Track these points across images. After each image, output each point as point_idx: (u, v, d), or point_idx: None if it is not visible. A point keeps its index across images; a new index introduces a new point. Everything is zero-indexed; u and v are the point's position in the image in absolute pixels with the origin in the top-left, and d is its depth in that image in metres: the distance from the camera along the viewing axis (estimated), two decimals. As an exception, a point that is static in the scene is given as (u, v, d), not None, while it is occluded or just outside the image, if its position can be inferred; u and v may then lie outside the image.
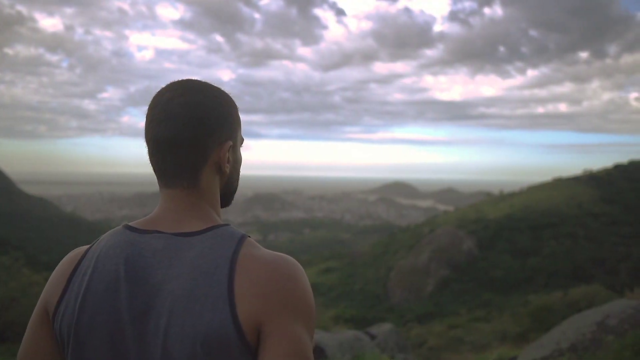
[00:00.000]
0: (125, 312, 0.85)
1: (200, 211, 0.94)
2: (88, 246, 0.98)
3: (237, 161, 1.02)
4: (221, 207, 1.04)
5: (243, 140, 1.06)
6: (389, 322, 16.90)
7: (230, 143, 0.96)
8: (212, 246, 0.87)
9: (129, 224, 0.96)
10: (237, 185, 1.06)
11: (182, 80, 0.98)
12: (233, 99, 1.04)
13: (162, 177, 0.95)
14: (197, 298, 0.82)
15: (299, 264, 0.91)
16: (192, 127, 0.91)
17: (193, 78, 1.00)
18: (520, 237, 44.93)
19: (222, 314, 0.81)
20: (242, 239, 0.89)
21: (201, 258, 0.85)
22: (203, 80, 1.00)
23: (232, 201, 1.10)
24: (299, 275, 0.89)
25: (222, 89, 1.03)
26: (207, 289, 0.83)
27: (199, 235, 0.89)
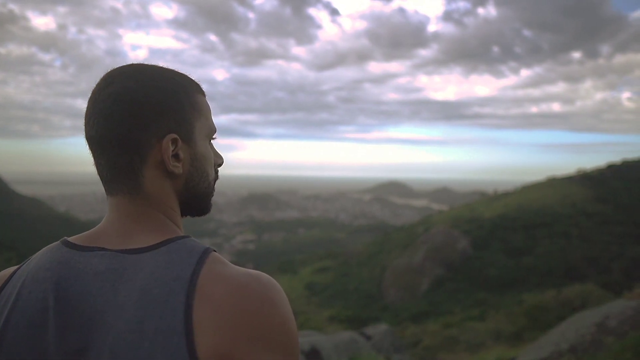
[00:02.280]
0: (53, 353, 0.68)
1: (152, 221, 0.78)
2: (17, 267, 0.81)
3: (199, 158, 0.82)
4: (194, 215, 0.88)
5: (214, 130, 0.87)
6: (384, 322, 16.92)
7: (174, 136, 0.77)
8: (166, 265, 0.70)
9: (68, 238, 0.79)
10: (207, 187, 0.85)
11: (119, 67, 0.81)
12: (198, 83, 0.85)
13: (103, 182, 0.80)
14: (146, 333, 0.66)
15: (276, 284, 0.73)
16: (120, 121, 0.75)
17: (139, 63, 0.82)
18: (514, 237, 45.09)
19: (177, 354, 0.64)
20: (204, 254, 0.72)
21: (152, 281, 0.69)
22: (148, 63, 0.83)
23: (211, 207, 0.89)
24: (276, 297, 0.71)
25: (188, 75, 0.85)
26: (158, 322, 0.66)
27: (150, 252, 0.73)
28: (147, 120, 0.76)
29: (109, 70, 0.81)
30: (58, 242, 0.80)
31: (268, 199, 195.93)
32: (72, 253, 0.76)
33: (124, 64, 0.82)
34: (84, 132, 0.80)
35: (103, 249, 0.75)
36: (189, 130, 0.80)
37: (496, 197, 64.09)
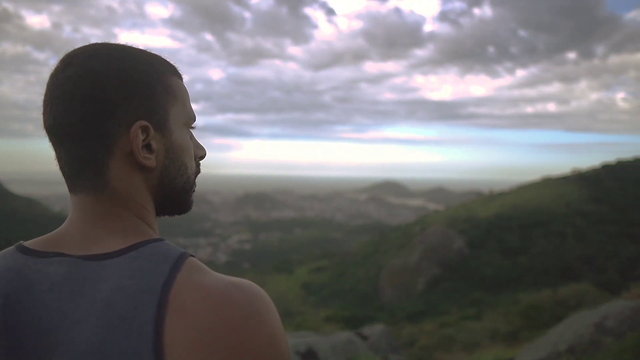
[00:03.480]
0: None
1: (120, 222, 0.67)
2: None
3: (175, 149, 0.71)
4: (172, 214, 0.78)
5: (192, 118, 0.76)
6: (380, 322, 16.90)
7: (144, 124, 0.67)
8: (134, 274, 0.60)
9: (24, 243, 0.69)
10: (185, 182, 0.74)
11: (80, 46, 0.71)
12: (176, 67, 0.75)
13: (65, 178, 0.70)
14: (108, 356, 0.55)
15: (262, 293, 0.62)
16: (81, 107, 0.65)
17: (103, 42, 0.72)
18: (510, 236, 45.23)
19: None
20: (179, 260, 0.62)
21: (117, 293, 0.58)
22: (115, 43, 0.72)
23: (191, 204, 0.79)
24: (263, 310, 0.60)
25: (163, 57, 0.74)
26: (123, 342, 0.56)
27: (117, 258, 0.62)
28: (113, 106, 0.66)
29: (68, 51, 0.70)
30: (12, 247, 0.70)
31: (264, 198, 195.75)
32: (27, 260, 0.65)
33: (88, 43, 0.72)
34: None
35: (62, 254, 0.65)
36: (163, 117, 0.70)
37: (492, 197, 64.28)
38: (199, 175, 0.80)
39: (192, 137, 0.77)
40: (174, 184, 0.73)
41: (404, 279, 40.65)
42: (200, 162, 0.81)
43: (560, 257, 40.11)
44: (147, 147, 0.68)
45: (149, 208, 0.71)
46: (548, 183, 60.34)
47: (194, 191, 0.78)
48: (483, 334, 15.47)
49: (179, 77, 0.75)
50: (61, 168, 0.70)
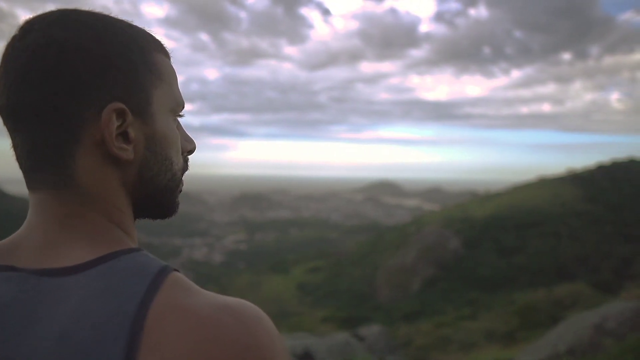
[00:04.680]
0: None
1: (87, 227, 0.55)
2: None
3: (159, 139, 0.59)
4: (154, 217, 0.65)
5: (180, 104, 0.63)
6: (377, 322, 16.89)
7: (119, 107, 0.55)
8: (102, 295, 0.47)
9: None
10: (170, 179, 0.62)
11: (48, 11, 0.58)
12: (159, 45, 0.63)
13: (22, 172, 0.58)
14: None
15: (264, 320, 0.50)
16: (41, 84, 0.53)
17: (72, 8, 0.59)
18: (506, 236, 45.38)
19: None
20: (159, 276, 0.50)
21: (79, 319, 0.46)
22: (85, 9, 0.59)
23: (177, 207, 0.66)
24: (264, 342, 0.47)
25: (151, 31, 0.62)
26: None
27: (81, 274, 0.49)
28: (81, 83, 0.53)
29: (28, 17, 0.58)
30: None
31: (260, 198, 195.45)
32: None
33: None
34: None
35: (13, 268, 0.52)
36: (144, 100, 0.57)
37: (487, 197, 64.46)
38: (188, 173, 0.68)
39: (179, 126, 0.65)
40: (156, 181, 0.60)
41: (400, 279, 40.69)
42: (189, 157, 0.68)
43: (556, 257, 40.27)
44: (123, 135, 0.56)
45: (124, 210, 0.59)
46: (543, 183, 60.57)
47: (180, 191, 0.65)
48: (479, 334, 15.48)
49: (166, 55, 0.63)
50: (18, 159, 0.57)
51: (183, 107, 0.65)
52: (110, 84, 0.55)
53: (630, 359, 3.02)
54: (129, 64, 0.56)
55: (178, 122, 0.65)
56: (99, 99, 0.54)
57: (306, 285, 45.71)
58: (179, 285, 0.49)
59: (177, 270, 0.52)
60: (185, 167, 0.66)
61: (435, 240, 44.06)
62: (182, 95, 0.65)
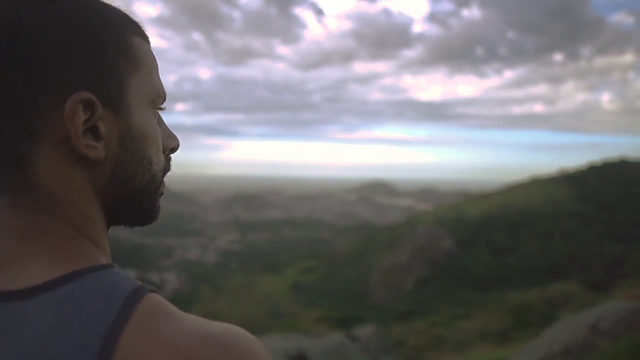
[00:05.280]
0: None
1: (47, 239, 0.46)
2: None
3: (135, 135, 0.51)
4: (131, 224, 0.56)
5: (162, 95, 0.55)
6: (371, 322, 16.88)
7: (87, 97, 0.46)
8: (64, 322, 0.40)
9: None
10: (149, 181, 0.53)
11: None
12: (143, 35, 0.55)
13: None
14: None
15: (252, 347, 0.43)
16: None
17: None
18: (499, 236, 45.59)
19: None
20: (132, 299, 0.42)
21: (37, 353, 0.39)
22: None
23: (158, 212, 0.57)
24: None
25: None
26: None
27: (39, 297, 0.42)
28: (41, 69, 0.45)
29: None
30: None
31: (253, 198, 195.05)
32: None
33: None
34: None
35: None
36: (117, 89, 0.49)
37: (480, 197, 64.74)
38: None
39: (160, 121, 0.57)
40: (132, 183, 0.52)
41: (393, 279, 40.75)
42: (172, 156, 0.60)
43: (548, 257, 40.51)
44: (92, 131, 0.48)
45: (94, 217, 0.50)
46: (536, 183, 60.92)
47: (162, 194, 0.57)
48: (473, 333, 15.51)
49: (145, 39, 0.55)
50: None
51: (164, 99, 0.56)
52: (75, 70, 0.46)
53: (626, 359, 3.03)
54: (99, 47, 0.48)
55: (159, 115, 0.57)
56: (61, 88, 0.46)
57: (300, 285, 45.69)
58: (154, 310, 0.42)
59: (155, 291, 0.45)
60: (167, 167, 0.57)
61: (428, 240, 44.18)
62: (163, 85, 0.56)
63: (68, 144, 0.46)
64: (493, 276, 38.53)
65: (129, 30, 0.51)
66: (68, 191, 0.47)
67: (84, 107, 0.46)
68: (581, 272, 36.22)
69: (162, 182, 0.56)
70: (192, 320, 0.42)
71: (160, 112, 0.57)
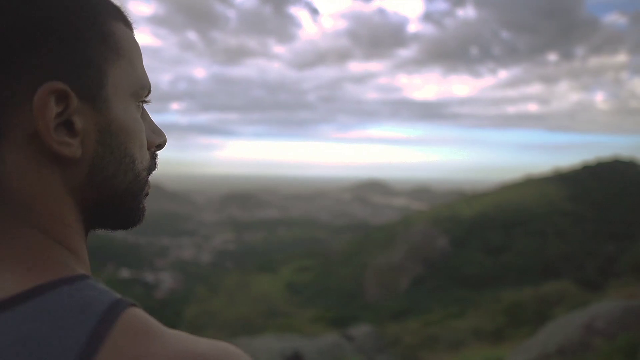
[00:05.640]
0: None
1: (15, 246, 0.42)
2: None
3: (115, 131, 0.46)
4: (112, 228, 0.51)
5: (146, 86, 0.50)
6: (365, 321, 16.91)
7: (59, 87, 0.42)
8: (32, 344, 0.36)
9: None
10: (132, 181, 0.49)
11: None
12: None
13: None
14: None
15: None
16: None
17: None
18: (493, 235, 45.78)
19: None
20: (109, 315, 0.38)
21: None
22: None
23: (143, 214, 0.53)
24: None
25: None
26: None
27: (6, 313, 0.38)
28: (6, 56, 0.41)
29: None
30: None
31: (248, 198, 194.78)
32: None
33: None
34: None
35: None
36: (96, 79, 0.45)
37: (475, 197, 64.95)
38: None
39: (145, 115, 0.52)
40: (113, 183, 0.47)
41: (388, 278, 40.83)
42: (158, 153, 0.55)
43: (542, 255, 40.72)
44: (67, 125, 0.43)
45: (70, 222, 0.45)
46: (530, 182, 61.22)
47: (147, 194, 0.52)
48: (467, 332, 15.55)
49: (128, 25, 0.50)
50: None
51: (149, 91, 0.51)
52: (47, 58, 0.41)
53: (620, 359, 3.04)
54: (75, 32, 0.43)
55: (143, 109, 0.52)
56: (31, 78, 0.41)
57: (295, 284, 45.67)
58: (134, 327, 0.38)
59: (135, 305, 0.40)
60: (152, 166, 0.52)
61: (423, 239, 44.30)
62: (147, 75, 0.51)
63: (39, 140, 0.41)
64: (487, 275, 38.69)
65: (109, 14, 0.47)
66: (39, 194, 0.43)
67: (57, 99, 0.41)
68: (574, 270, 36.44)
69: (146, 181, 0.51)
70: (176, 338, 0.38)
71: (145, 106, 0.52)
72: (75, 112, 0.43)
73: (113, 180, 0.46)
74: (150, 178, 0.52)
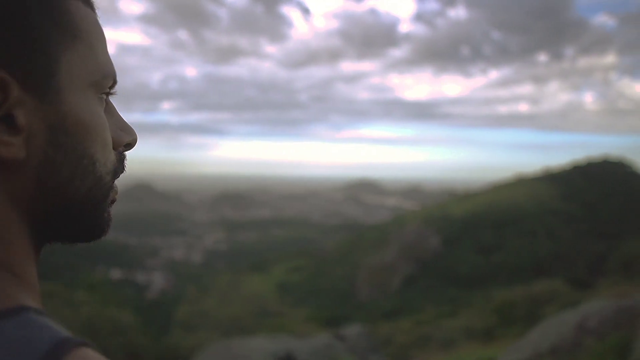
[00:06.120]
0: None
1: None
2: None
3: (72, 128, 0.40)
4: (69, 241, 0.44)
5: (110, 76, 0.43)
6: (358, 321, 16.90)
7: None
8: None
9: None
10: (91, 187, 0.42)
11: None
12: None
13: None
14: None
15: None
16: None
17: None
18: (484, 234, 46.00)
19: None
20: (51, 356, 0.32)
21: None
22: None
23: (107, 225, 0.45)
24: None
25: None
26: None
27: None
28: None
29: None
30: None
31: (240, 198, 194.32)
32: None
33: None
34: None
35: None
36: (45, 66, 0.38)
37: (466, 196, 65.26)
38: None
39: (110, 110, 0.45)
40: (68, 190, 0.40)
41: (380, 278, 40.89)
42: (127, 153, 0.48)
43: (533, 254, 41.00)
44: (7, 121, 0.37)
45: (12, 237, 0.38)
46: (521, 182, 61.62)
47: (113, 201, 0.45)
48: (459, 331, 15.62)
49: (89, 4, 0.43)
50: None
51: (114, 81, 0.44)
52: None
53: (612, 358, 3.05)
54: (18, 9, 0.36)
55: (109, 103, 0.45)
56: None
57: (287, 284, 45.60)
58: None
59: (86, 344, 0.34)
60: (119, 168, 0.45)
61: (415, 239, 44.42)
62: (112, 63, 0.44)
63: None
64: (479, 274, 38.88)
65: None
66: None
67: None
68: (565, 269, 36.73)
69: (111, 186, 0.44)
70: None
71: (111, 99, 0.45)
72: (16, 104, 0.36)
73: (68, 187, 0.40)
74: (117, 182, 0.45)
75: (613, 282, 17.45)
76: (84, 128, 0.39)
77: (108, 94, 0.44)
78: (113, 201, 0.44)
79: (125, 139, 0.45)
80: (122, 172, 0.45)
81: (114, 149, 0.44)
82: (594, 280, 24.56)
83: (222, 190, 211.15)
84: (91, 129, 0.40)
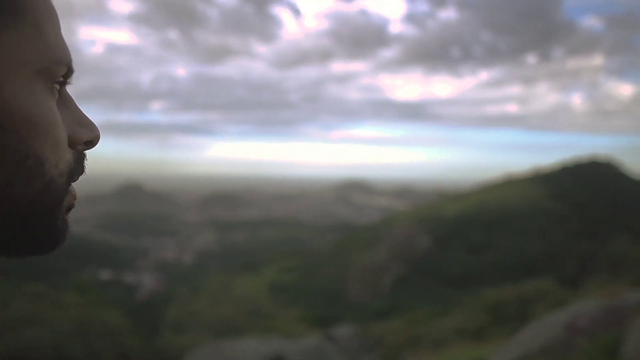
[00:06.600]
0: None
1: None
2: None
3: (12, 125, 0.32)
4: (20, 254, 0.37)
5: (63, 62, 0.35)
6: (349, 321, 16.94)
7: None
8: None
9: None
10: (42, 192, 0.35)
11: None
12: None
13: None
14: None
15: None
16: None
17: None
18: (475, 234, 46.29)
19: None
20: None
21: None
22: None
23: (63, 235, 0.38)
24: None
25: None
26: None
27: None
28: None
29: None
30: None
31: (231, 198, 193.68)
32: None
33: None
34: None
35: None
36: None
37: (457, 196, 65.61)
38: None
39: (66, 102, 0.38)
40: (8, 196, 0.34)
41: (371, 278, 40.97)
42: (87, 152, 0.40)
43: (523, 254, 41.32)
44: None
45: None
46: (510, 182, 62.05)
47: (71, 207, 0.38)
48: (450, 331, 15.67)
49: None
50: None
51: (69, 69, 0.37)
52: None
53: (603, 357, 3.07)
54: None
55: (64, 94, 0.38)
56: None
57: (278, 285, 45.51)
58: None
59: None
60: (77, 169, 0.39)
61: (405, 239, 44.57)
62: (67, 48, 0.36)
63: None
64: (469, 274, 39.10)
65: None
66: None
67: None
68: (555, 269, 37.06)
69: (66, 190, 0.37)
70: None
71: (68, 89, 0.38)
72: None
73: (8, 192, 0.33)
74: (74, 185, 0.38)
75: (602, 281, 17.64)
76: (27, 123, 0.33)
77: (62, 83, 0.37)
78: (70, 207, 0.38)
79: (85, 136, 0.39)
80: (82, 173, 0.39)
81: (70, 147, 0.37)
82: (583, 279, 24.83)
83: (213, 191, 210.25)
84: (37, 124, 0.33)
